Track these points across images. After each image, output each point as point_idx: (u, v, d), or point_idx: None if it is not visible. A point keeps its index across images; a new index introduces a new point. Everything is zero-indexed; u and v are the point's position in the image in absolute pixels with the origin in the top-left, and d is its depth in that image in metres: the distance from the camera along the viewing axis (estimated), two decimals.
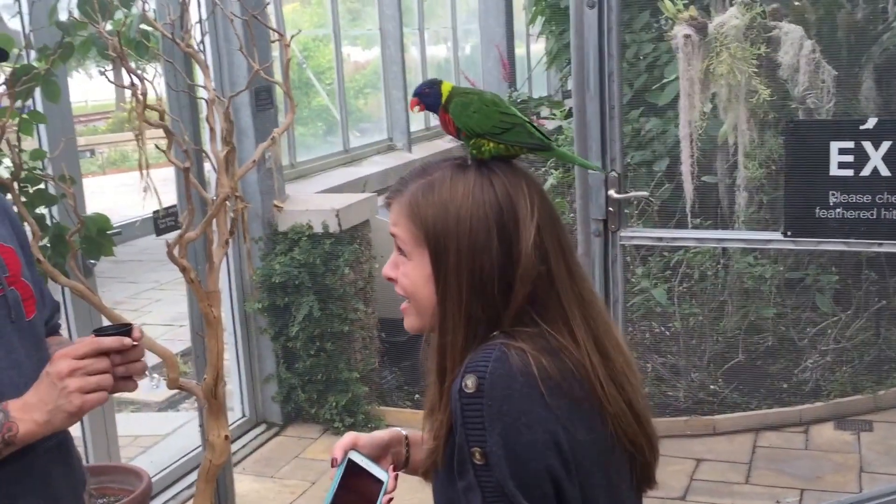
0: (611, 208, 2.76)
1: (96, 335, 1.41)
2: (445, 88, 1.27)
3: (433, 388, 1.19)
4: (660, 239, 3.09)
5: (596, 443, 1.13)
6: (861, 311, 4.36)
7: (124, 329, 1.43)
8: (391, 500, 1.22)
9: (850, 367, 4.31)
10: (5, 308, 1.45)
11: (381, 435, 1.32)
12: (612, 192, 2.75)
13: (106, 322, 2.28)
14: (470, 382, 1.08)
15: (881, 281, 4.41)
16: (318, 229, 4.33)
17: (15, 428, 1.34)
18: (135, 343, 1.41)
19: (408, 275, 1.20)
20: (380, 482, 1.21)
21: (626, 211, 2.85)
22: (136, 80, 2.35)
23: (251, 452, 4.28)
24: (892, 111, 4.60)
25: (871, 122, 2.48)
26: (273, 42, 3.99)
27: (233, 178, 2.51)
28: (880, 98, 4.70)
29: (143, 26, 2.81)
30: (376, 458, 1.28)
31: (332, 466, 1.24)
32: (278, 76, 4.47)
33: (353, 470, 1.23)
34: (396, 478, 1.26)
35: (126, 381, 1.43)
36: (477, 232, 1.13)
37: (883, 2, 4.69)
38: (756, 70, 4.23)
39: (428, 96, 1.28)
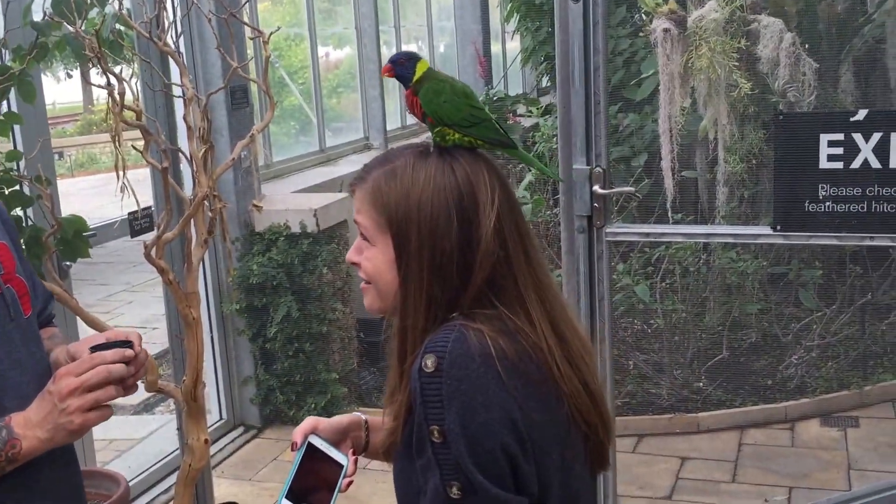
0: (596, 204, 2.71)
1: (93, 351, 1.40)
2: (421, 67, 1.26)
3: (394, 370, 1.22)
4: (647, 234, 3.05)
5: (552, 423, 1.15)
6: (845, 305, 4.36)
7: (123, 344, 1.43)
8: (350, 483, 1.25)
9: (835, 362, 4.30)
10: (4, 307, 1.43)
11: (340, 419, 1.34)
12: (597, 188, 2.70)
13: (80, 323, 2.22)
14: (429, 362, 1.10)
15: (865, 275, 4.40)
16: (295, 229, 4.27)
17: (18, 445, 1.35)
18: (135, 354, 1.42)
19: (371, 259, 1.22)
20: (340, 466, 1.24)
21: (614, 208, 2.81)
22: (112, 80, 2.28)
23: (229, 455, 4.22)
24: (873, 104, 4.60)
25: (861, 114, 2.45)
26: (251, 39, 3.94)
27: (211, 177, 2.45)
28: (858, 91, 4.71)
29: (118, 26, 2.75)
30: (336, 443, 1.30)
31: (292, 450, 1.26)
32: (252, 75, 4.41)
33: (313, 454, 1.25)
34: (356, 461, 1.29)
35: (129, 388, 1.44)
36: (438, 217, 1.16)
37: None
38: (736, 64, 4.21)
39: (402, 66, 1.28)
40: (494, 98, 6.96)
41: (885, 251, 4.35)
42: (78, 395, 1.34)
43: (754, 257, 4.44)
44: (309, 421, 1.29)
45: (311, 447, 1.25)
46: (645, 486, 3.68)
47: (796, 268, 4.50)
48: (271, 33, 2.65)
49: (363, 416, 1.37)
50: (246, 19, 4.66)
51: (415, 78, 1.26)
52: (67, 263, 3.16)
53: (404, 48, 7.69)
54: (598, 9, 2.60)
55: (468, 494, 1.08)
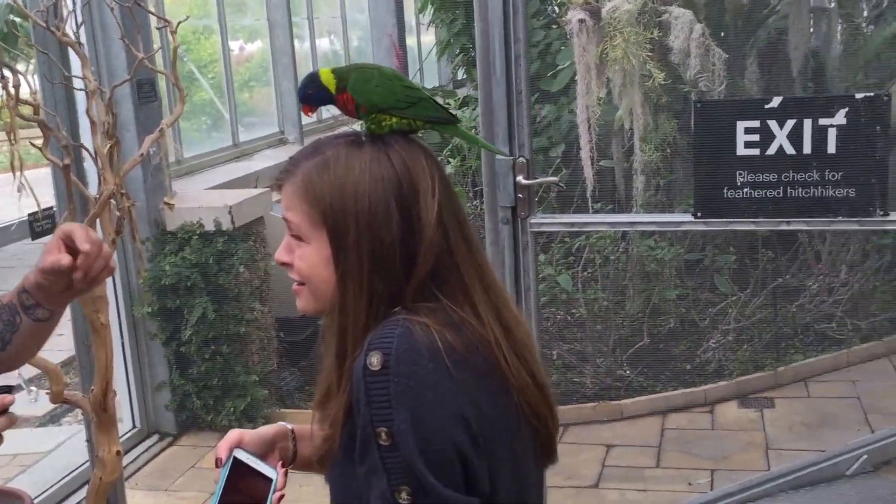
0: (520, 195, 2.68)
1: None
2: (326, 75, 1.20)
3: (331, 372, 1.15)
4: (571, 224, 3.04)
5: (502, 416, 1.12)
6: (758, 289, 4.46)
7: (6, 388, 1.28)
8: (282, 496, 1.18)
9: (750, 345, 4.40)
10: None
11: (266, 430, 1.27)
12: (520, 178, 2.67)
13: None
14: (375, 360, 1.05)
15: (776, 260, 4.52)
16: (209, 227, 4.13)
17: None
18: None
19: (305, 258, 1.16)
20: (269, 480, 1.18)
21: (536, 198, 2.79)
22: (7, 73, 2.15)
23: (143, 465, 4.06)
24: (777, 93, 4.72)
25: (775, 101, 2.49)
26: (158, 29, 3.79)
27: (118, 174, 2.32)
28: (763, 81, 4.83)
29: (12, 16, 2.59)
30: (263, 455, 1.23)
31: (217, 467, 1.18)
32: (160, 67, 4.24)
33: (239, 469, 1.18)
34: (286, 474, 1.22)
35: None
36: (376, 208, 1.11)
37: None
38: (649, 54, 4.26)
39: (314, 96, 1.22)
40: None
41: (793, 236, 4.48)
42: None
43: (671, 244, 4.51)
44: (233, 434, 1.21)
45: (236, 462, 1.18)
46: (571, 475, 3.69)
47: (711, 254, 4.59)
48: (179, 22, 2.53)
49: (289, 426, 1.30)
50: (152, 9, 4.48)
51: (333, 85, 1.20)
52: None
53: (318, 42, 7.58)
54: None
55: (419, 498, 1.03)
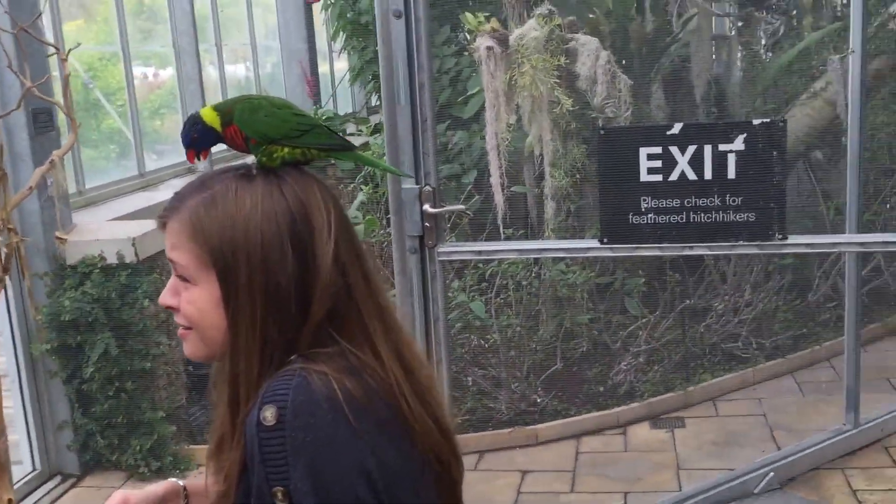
0: (427, 223, 2.66)
1: None
2: (208, 114, 1.15)
3: (223, 421, 1.09)
4: (479, 252, 3.03)
5: (406, 463, 1.07)
6: (667, 311, 4.54)
7: None
8: None
9: (660, 366, 4.47)
10: None
11: (155, 489, 1.21)
12: (427, 207, 2.66)
13: None
14: (269, 414, 0.99)
15: (683, 282, 4.61)
16: (112, 260, 4.00)
17: None
18: None
19: (193, 301, 1.09)
20: None
21: (446, 226, 2.77)
22: None
23: None
24: (681, 118, 4.85)
25: (676, 128, 2.54)
26: (50, 56, 3.66)
27: (5, 208, 2.21)
28: (668, 107, 4.96)
29: None
30: None
31: None
32: (59, 95, 4.09)
33: None
34: None
35: None
36: (269, 245, 1.05)
37: (668, 15, 4.95)
38: (557, 81, 4.32)
39: (199, 140, 1.16)
40: (323, 118, 6.86)
41: (699, 258, 4.59)
42: None
43: (582, 268, 4.55)
44: (118, 496, 1.15)
45: None
46: (487, 503, 3.67)
47: (621, 277, 4.65)
48: (70, 50, 2.44)
49: (181, 483, 1.23)
50: (50, 37, 4.33)
51: (217, 122, 1.15)
52: None
53: (228, 68, 7.46)
54: (421, 25, 2.57)
55: None
